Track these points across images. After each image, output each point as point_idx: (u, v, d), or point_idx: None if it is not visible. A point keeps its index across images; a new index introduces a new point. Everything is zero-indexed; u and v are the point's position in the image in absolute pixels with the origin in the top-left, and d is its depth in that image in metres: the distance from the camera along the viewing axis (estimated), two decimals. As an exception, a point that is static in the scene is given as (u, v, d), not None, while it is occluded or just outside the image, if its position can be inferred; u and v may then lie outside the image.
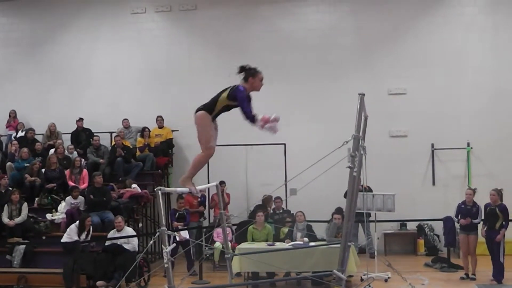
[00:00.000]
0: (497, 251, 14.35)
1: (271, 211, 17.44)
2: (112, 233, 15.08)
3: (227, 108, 8.03)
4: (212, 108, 8.00)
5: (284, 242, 15.04)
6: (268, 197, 17.29)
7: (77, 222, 15.25)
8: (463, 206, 14.98)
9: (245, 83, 7.99)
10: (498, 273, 14.33)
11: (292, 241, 14.88)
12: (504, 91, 19.07)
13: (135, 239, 15.20)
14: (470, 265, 14.87)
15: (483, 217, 14.73)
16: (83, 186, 17.76)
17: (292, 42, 19.97)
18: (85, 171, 18.27)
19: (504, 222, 14.33)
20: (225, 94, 7.96)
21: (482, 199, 14.89)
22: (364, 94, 7.45)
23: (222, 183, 18.35)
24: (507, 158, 18.75)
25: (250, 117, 7.72)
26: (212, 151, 8.08)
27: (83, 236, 14.98)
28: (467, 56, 19.42)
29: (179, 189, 9.06)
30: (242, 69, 8.07)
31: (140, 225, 18.18)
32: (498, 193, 14.43)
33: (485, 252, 14.91)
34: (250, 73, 8.01)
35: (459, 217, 14.94)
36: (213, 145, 8.07)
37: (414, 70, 19.48)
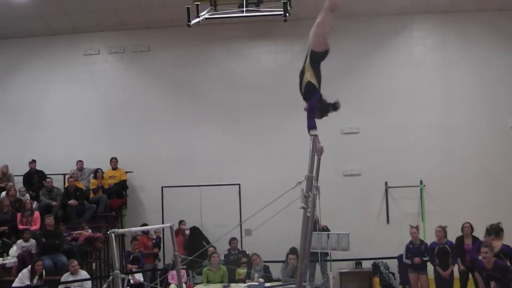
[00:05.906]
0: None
1: (226, 252, 17.35)
2: (65, 277, 14.87)
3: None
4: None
5: (243, 282, 15.01)
6: None
7: (29, 266, 15.00)
8: (411, 246, 15.07)
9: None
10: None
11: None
12: (455, 128, 19.33)
13: (89, 282, 15.01)
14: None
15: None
16: (34, 227, 17.49)
17: (245, 83, 20.07)
18: (36, 213, 17.99)
19: (451, 260, 14.47)
20: (307, 75, 8.70)
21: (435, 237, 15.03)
22: (316, 135, 7.51)
23: (181, 221, 18.29)
24: (459, 195, 18.88)
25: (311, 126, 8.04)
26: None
27: (35, 281, 14.73)
28: (418, 95, 19.67)
29: (133, 229, 8.99)
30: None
31: (94, 267, 17.92)
32: (444, 230, 14.58)
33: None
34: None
35: (409, 256, 14.98)
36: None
37: (366, 110, 19.65)
